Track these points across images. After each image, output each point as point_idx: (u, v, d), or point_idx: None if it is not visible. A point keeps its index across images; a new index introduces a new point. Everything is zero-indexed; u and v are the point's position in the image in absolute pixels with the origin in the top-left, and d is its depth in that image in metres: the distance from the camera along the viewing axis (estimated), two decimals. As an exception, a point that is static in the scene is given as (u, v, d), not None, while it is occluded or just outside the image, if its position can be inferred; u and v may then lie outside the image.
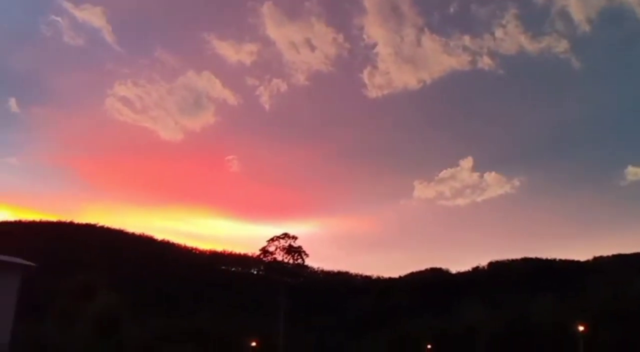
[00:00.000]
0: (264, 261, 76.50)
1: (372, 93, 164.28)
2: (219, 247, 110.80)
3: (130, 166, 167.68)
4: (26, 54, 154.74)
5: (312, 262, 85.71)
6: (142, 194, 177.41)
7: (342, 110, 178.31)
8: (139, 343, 47.69)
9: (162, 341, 48.64)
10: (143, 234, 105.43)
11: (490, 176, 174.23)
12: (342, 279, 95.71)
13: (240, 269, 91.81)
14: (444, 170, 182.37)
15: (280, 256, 73.84)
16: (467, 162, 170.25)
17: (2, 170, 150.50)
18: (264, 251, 74.72)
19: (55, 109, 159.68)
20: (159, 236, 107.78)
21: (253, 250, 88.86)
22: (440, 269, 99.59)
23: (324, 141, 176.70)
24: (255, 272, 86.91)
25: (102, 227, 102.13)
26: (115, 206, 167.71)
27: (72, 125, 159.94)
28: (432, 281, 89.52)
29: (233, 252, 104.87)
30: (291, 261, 73.03)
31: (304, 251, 74.32)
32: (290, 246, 72.51)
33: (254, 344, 50.63)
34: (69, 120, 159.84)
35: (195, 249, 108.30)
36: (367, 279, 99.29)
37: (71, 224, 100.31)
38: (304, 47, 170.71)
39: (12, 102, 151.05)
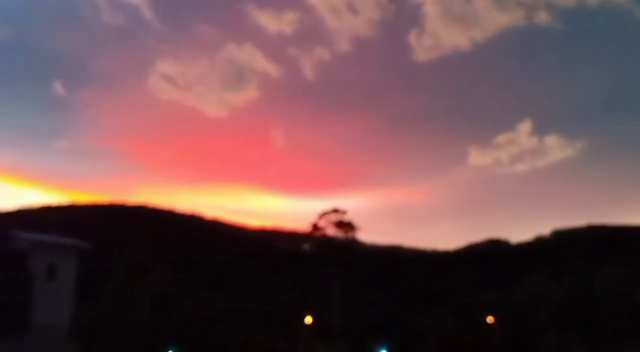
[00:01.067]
0: (315, 236, 76.19)
1: (421, 56, 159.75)
2: (268, 224, 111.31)
3: (177, 145, 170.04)
4: (68, 36, 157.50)
5: (363, 236, 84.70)
6: (190, 173, 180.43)
7: (390, 76, 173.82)
8: (194, 319, 48.12)
9: (217, 317, 48.97)
10: (193, 212, 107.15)
11: (551, 139, 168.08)
12: (395, 252, 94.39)
13: (290, 245, 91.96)
14: (501, 135, 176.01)
15: (330, 231, 73.34)
16: (525, 126, 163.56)
17: (52, 153, 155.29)
18: (314, 226, 74.26)
19: (100, 91, 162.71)
20: (208, 214, 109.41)
21: (303, 225, 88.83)
22: (499, 240, 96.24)
23: (371, 110, 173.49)
24: (306, 248, 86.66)
25: (152, 208, 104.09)
26: (164, 186, 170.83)
27: (118, 106, 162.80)
28: (491, 252, 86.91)
29: (283, 228, 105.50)
30: (342, 236, 72.41)
31: (355, 225, 73.58)
32: (340, 220, 71.77)
33: (308, 319, 50.22)
34: (114, 102, 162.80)
35: (245, 226, 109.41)
36: (422, 252, 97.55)
37: (123, 205, 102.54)
38: (346, 12, 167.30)
39: (58, 86, 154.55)
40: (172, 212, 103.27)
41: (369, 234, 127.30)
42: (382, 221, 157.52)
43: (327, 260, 65.20)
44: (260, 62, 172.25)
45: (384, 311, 58.94)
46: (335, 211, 72.40)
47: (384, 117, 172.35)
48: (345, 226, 71.61)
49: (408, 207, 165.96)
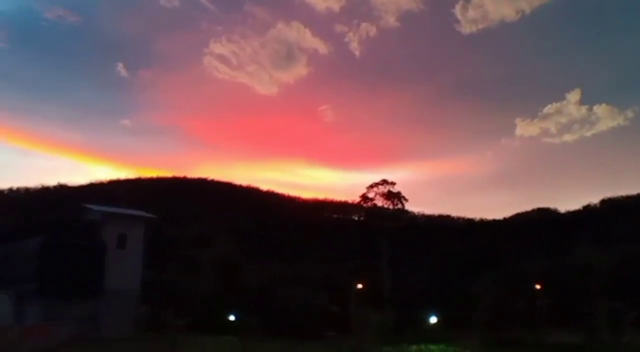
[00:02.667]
0: (364, 207, 77.91)
1: (467, 29, 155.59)
2: (320, 196, 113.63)
3: (233, 122, 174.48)
4: (129, 20, 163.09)
5: (412, 206, 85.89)
6: (245, 149, 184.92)
7: (436, 49, 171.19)
8: (254, 285, 50.96)
9: (275, 284, 51.57)
10: (249, 185, 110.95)
11: (601, 108, 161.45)
12: (443, 222, 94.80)
13: (341, 215, 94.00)
14: (549, 106, 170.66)
15: (380, 202, 74.95)
16: (574, 95, 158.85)
17: (118, 132, 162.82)
18: (364, 197, 76.09)
19: (160, 71, 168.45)
20: (263, 187, 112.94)
21: (353, 197, 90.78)
22: (548, 209, 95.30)
23: (418, 83, 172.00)
24: (356, 219, 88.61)
25: (212, 181, 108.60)
26: (222, 161, 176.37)
27: (176, 85, 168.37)
28: (540, 221, 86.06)
29: (334, 200, 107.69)
30: (391, 207, 73.86)
31: (403, 196, 74.77)
32: (389, 191, 73.20)
33: (359, 286, 52.31)
34: (173, 81, 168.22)
35: (298, 198, 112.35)
36: (470, 221, 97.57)
37: (184, 179, 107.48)
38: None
39: (121, 67, 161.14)
40: (230, 185, 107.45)
41: (417, 205, 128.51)
42: (430, 192, 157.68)
43: (376, 229, 66.85)
44: (309, 39, 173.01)
45: (433, 279, 59.98)
46: (384, 182, 73.78)
47: (431, 90, 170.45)
48: (394, 196, 72.97)
49: (456, 179, 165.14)
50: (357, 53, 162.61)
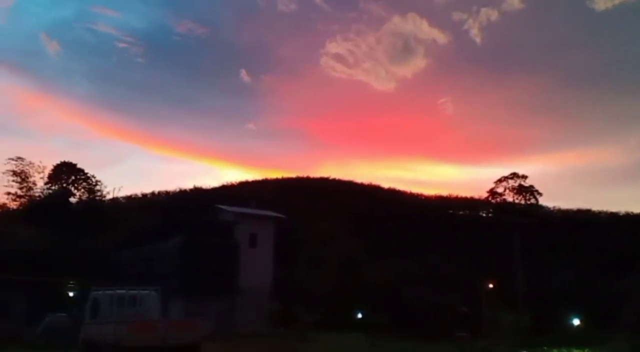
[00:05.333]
0: (493, 202, 74.58)
1: (601, 5, 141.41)
2: (443, 193, 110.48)
3: (353, 121, 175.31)
4: (249, 28, 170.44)
5: (546, 201, 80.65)
6: (365, 147, 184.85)
7: (564, 31, 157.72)
8: (378, 283, 50.85)
9: (399, 281, 51.09)
10: (370, 183, 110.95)
11: None
12: (582, 217, 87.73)
13: (467, 212, 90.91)
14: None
15: (510, 197, 71.24)
16: None
17: (243, 135, 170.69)
18: (492, 192, 72.73)
19: (280, 76, 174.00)
20: (385, 185, 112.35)
21: (480, 193, 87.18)
22: None
23: (547, 68, 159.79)
24: (484, 215, 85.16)
25: (334, 180, 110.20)
26: (343, 160, 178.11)
27: (296, 88, 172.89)
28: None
29: (459, 196, 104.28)
30: (522, 201, 69.91)
31: (536, 190, 70.38)
32: (520, 185, 69.29)
33: (490, 285, 50.15)
34: (293, 84, 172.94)
35: (421, 194, 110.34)
36: (614, 215, 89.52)
37: (307, 178, 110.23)
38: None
39: (244, 74, 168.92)
40: (352, 184, 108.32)
41: (551, 199, 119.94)
42: (564, 185, 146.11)
43: (507, 225, 63.63)
44: (426, 30, 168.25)
45: (573, 278, 55.74)
46: (514, 176, 70.01)
47: (562, 76, 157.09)
48: (526, 191, 68.96)
49: (594, 170, 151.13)
50: (477, 40, 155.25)
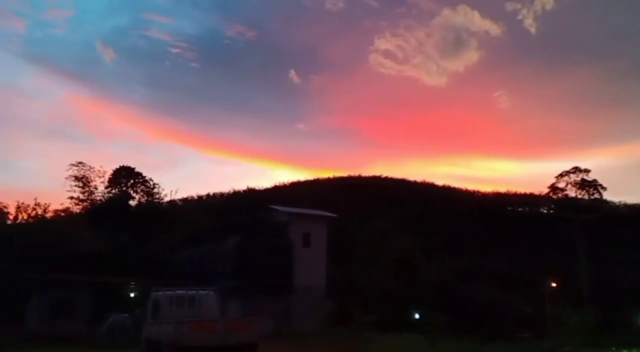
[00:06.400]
0: (553, 198, 72.06)
1: None
2: (501, 189, 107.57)
3: (404, 118, 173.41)
4: (297, 28, 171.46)
5: (611, 195, 77.23)
6: (418, 144, 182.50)
7: (629, 15, 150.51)
8: (435, 282, 49.91)
9: (457, 280, 50.03)
10: (424, 180, 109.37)
11: None
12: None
13: (527, 208, 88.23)
14: None
15: (572, 192, 68.67)
16: None
17: (294, 136, 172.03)
18: (553, 187, 70.35)
19: (329, 74, 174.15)
20: (439, 182, 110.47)
21: (539, 188, 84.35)
22: None
23: (606, 58, 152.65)
24: (544, 211, 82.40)
25: (386, 178, 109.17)
26: (395, 158, 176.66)
27: (345, 86, 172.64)
28: None
29: (517, 192, 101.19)
30: (585, 197, 67.25)
31: (599, 184, 67.58)
32: (582, 180, 66.72)
33: (553, 283, 48.28)
34: (342, 83, 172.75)
35: (477, 191, 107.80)
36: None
37: (359, 177, 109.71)
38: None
39: (293, 74, 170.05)
40: (404, 182, 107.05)
41: (617, 194, 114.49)
42: (632, 180, 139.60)
43: (570, 222, 61.24)
44: (478, 22, 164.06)
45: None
46: (576, 169, 67.43)
47: (623, 65, 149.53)
48: (589, 185, 66.29)
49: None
50: (532, 30, 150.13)
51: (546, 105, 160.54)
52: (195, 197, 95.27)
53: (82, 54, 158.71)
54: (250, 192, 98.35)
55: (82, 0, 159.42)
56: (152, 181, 65.33)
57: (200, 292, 21.40)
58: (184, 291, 21.09)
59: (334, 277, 45.87)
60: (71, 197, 61.41)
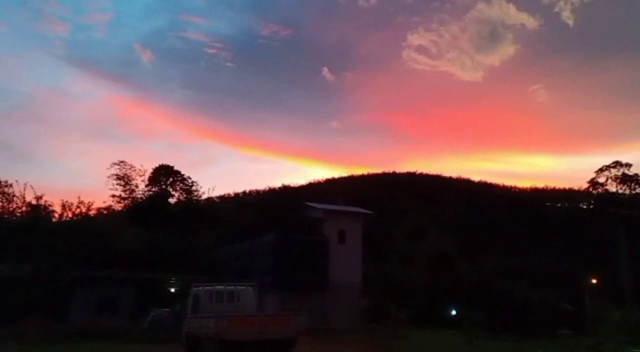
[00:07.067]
0: (593, 193, 70.32)
1: None
2: (539, 184, 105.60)
3: (439, 114, 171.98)
4: (330, 25, 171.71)
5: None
6: (454, 140, 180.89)
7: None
8: (471, 279, 49.52)
9: (493, 277, 49.52)
10: (459, 176, 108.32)
11: None
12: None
13: (566, 204, 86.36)
14: None
15: (612, 187, 66.87)
16: None
17: (328, 133, 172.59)
18: (593, 182, 68.52)
19: (363, 72, 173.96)
20: (475, 178, 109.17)
21: (579, 183, 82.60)
22: None
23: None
24: (584, 207, 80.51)
25: (421, 174, 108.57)
26: (430, 154, 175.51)
27: (379, 83, 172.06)
28: None
29: (556, 188, 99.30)
30: (627, 192, 65.35)
31: (642, 179, 65.63)
32: (623, 174, 64.78)
33: (594, 281, 47.31)
34: (376, 79, 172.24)
35: (514, 187, 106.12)
36: None
37: (394, 174, 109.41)
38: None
39: (326, 72, 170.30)
40: (440, 177, 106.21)
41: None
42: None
43: (610, 217, 59.68)
44: (514, 15, 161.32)
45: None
46: (617, 164, 65.55)
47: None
48: (630, 180, 64.35)
49: None
50: (570, 22, 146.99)
51: (585, 99, 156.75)
52: (232, 195, 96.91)
53: (122, 56, 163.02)
54: (286, 189, 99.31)
55: (121, 3, 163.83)
56: (190, 179, 66.64)
57: (239, 287, 21.82)
58: (223, 286, 21.54)
59: (369, 274, 45.95)
60: (113, 195, 63.16)
